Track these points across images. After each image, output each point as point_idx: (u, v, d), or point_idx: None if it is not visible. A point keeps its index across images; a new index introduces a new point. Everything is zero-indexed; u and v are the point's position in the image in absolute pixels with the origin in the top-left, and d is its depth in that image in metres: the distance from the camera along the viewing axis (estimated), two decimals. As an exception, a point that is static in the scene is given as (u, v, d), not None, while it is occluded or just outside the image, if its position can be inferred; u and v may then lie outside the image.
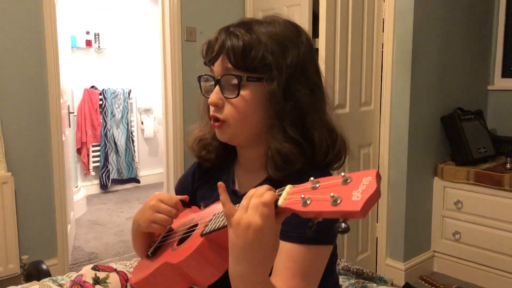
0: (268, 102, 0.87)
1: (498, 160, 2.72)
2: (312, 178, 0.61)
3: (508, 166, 2.52)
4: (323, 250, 0.83)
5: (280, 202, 0.63)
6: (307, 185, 0.61)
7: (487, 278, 2.57)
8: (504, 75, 3.03)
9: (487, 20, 2.98)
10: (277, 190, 0.66)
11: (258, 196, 0.65)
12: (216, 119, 0.91)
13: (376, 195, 0.53)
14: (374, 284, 1.19)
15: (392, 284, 1.22)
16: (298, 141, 0.87)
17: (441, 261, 2.76)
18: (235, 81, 0.86)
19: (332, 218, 0.56)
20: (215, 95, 0.89)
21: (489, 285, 2.56)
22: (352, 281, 1.21)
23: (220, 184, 0.71)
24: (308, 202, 0.58)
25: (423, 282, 2.61)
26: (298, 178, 0.73)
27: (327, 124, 0.93)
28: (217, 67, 0.89)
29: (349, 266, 1.29)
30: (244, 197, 0.67)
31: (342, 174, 0.57)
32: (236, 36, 0.86)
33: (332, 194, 0.55)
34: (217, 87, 0.89)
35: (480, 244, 2.57)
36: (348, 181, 0.56)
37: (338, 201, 0.54)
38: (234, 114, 0.88)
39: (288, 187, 0.64)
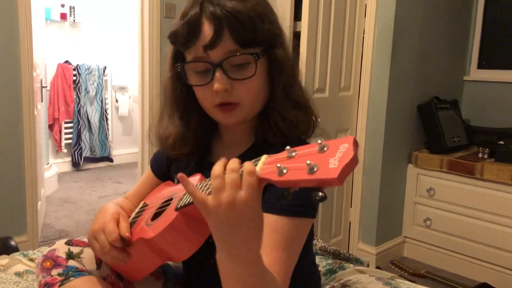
0: (277, 72, 0.85)
1: (471, 149, 2.78)
2: (288, 147, 0.59)
3: (480, 155, 2.57)
4: (305, 223, 0.83)
5: (256, 173, 0.61)
6: (283, 154, 0.59)
7: (455, 264, 2.64)
8: (480, 66, 3.08)
9: (466, 12, 3.02)
10: (253, 161, 0.64)
11: (235, 171, 0.60)
12: (228, 104, 0.84)
13: (353, 162, 0.52)
14: (351, 265, 1.20)
15: (368, 266, 1.24)
16: (302, 104, 0.88)
17: (412, 247, 2.82)
18: (244, 60, 0.81)
19: (310, 188, 0.55)
20: (222, 81, 0.81)
21: (458, 270, 2.63)
22: (330, 261, 1.22)
23: (181, 175, 0.64)
24: (285, 171, 0.56)
25: (393, 266, 2.66)
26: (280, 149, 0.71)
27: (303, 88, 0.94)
28: (216, 49, 0.80)
29: (326, 246, 1.30)
30: (212, 178, 0.61)
31: (319, 141, 0.56)
32: (233, 9, 0.79)
33: (308, 162, 0.54)
34: (220, 71, 0.81)
35: (450, 231, 2.63)
36: (325, 149, 0.55)
37: (315, 169, 0.53)
38: (248, 93, 0.84)
39: (264, 157, 0.62)
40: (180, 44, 0.86)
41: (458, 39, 3.00)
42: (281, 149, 0.60)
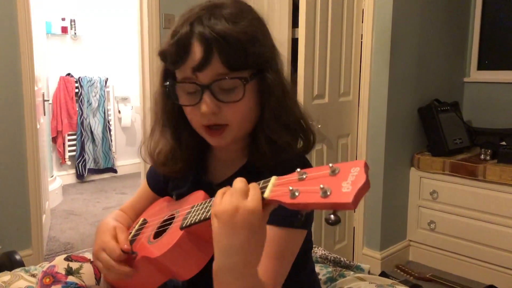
0: (266, 95, 0.83)
1: (473, 151, 2.77)
2: (298, 170, 0.59)
3: (482, 157, 2.56)
4: (297, 234, 0.83)
5: (266, 194, 0.61)
6: (293, 176, 0.60)
7: (461, 267, 2.62)
8: (480, 67, 3.07)
9: (464, 13, 3.02)
10: (262, 182, 0.64)
11: (243, 181, 0.64)
12: (216, 126, 0.84)
13: (366, 186, 0.53)
14: (351, 272, 1.20)
15: (369, 272, 1.23)
16: (292, 128, 0.86)
17: (417, 250, 2.81)
18: (234, 83, 0.80)
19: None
20: (210, 103, 0.80)
21: (463, 273, 2.62)
22: (330, 269, 1.22)
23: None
24: (297, 194, 0.57)
25: (398, 270, 2.65)
26: (277, 167, 0.72)
27: (300, 106, 0.92)
28: (204, 71, 0.80)
29: (327, 254, 1.30)
30: (220, 192, 0.66)
31: (330, 165, 0.57)
32: (221, 30, 0.77)
33: (321, 186, 0.54)
34: (208, 93, 0.80)
35: (455, 233, 2.62)
36: (336, 171, 0.56)
37: (328, 193, 0.53)
38: (236, 116, 0.83)
39: (273, 179, 0.63)
40: (169, 63, 0.85)
41: (457, 41, 3.00)
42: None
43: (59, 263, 0.90)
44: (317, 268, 1.23)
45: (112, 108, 4.90)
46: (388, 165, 2.59)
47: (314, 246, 1.34)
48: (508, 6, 2.94)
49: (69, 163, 4.63)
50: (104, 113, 4.75)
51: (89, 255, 0.99)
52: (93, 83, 4.63)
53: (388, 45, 2.47)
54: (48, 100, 4.13)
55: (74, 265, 0.90)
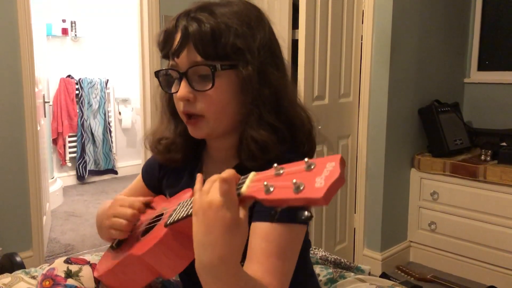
0: (243, 89, 0.84)
1: (473, 152, 2.77)
2: (275, 165, 0.59)
3: (482, 157, 2.56)
4: (297, 229, 0.81)
5: (243, 190, 0.61)
6: (271, 171, 0.59)
7: (462, 268, 2.62)
8: (480, 68, 3.07)
9: (464, 14, 3.02)
10: (241, 178, 0.64)
11: (212, 180, 0.64)
12: (190, 115, 0.86)
13: (339, 181, 0.52)
14: (352, 273, 1.20)
15: (369, 274, 1.23)
16: (277, 127, 0.85)
17: (417, 251, 2.81)
18: (206, 71, 0.82)
19: (297, 207, 0.55)
20: (184, 89, 0.84)
21: (464, 274, 2.61)
22: (330, 270, 1.22)
23: (199, 175, 0.70)
24: (271, 189, 0.56)
25: (399, 271, 2.64)
26: (266, 167, 0.71)
27: (301, 105, 0.92)
28: (182, 58, 0.84)
29: (327, 256, 1.30)
30: (206, 181, 0.65)
31: (306, 159, 0.56)
32: (200, 22, 0.81)
33: (294, 181, 0.53)
34: (184, 81, 0.84)
35: (455, 234, 2.62)
36: (312, 167, 0.55)
37: (301, 188, 0.53)
38: (210, 107, 0.84)
39: (252, 174, 0.63)
40: (160, 51, 0.90)
41: (457, 42, 3.00)
42: (269, 166, 0.61)
43: (59, 266, 0.90)
44: (318, 269, 1.23)
45: (112, 109, 4.91)
46: (389, 166, 2.59)
47: (314, 247, 1.34)
48: (508, 7, 2.94)
49: (69, 164, 4.63)
50: (105, 114, 4.75)
51: (89, 257, 1.00)
52: (93, 85, 4.64)
53: (388, 46, 2.47)
54: (49, 102, 4.14)
55: (74, 268, 0.90)
